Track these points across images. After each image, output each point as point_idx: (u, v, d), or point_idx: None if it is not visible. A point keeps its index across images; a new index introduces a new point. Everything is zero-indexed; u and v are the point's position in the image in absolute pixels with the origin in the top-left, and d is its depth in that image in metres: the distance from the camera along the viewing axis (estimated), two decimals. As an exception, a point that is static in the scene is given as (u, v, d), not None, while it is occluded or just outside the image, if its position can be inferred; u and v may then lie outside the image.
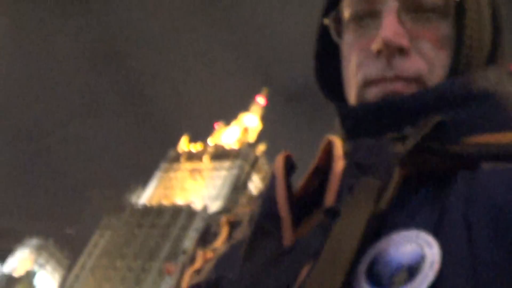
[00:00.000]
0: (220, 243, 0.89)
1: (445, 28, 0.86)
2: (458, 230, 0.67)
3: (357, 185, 0.73)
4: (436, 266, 0.65)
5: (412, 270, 0.66)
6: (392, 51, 0.83)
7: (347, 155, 0.80)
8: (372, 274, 0.68)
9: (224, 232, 0.91)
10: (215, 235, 0.93)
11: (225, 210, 0.99)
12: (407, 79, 0.84)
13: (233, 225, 0.91)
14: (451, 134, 0.78)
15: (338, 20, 0.91)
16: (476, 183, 0.71)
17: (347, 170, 0.78)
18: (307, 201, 0.85)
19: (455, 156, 0.76)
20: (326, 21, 0.93)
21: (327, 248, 0.68)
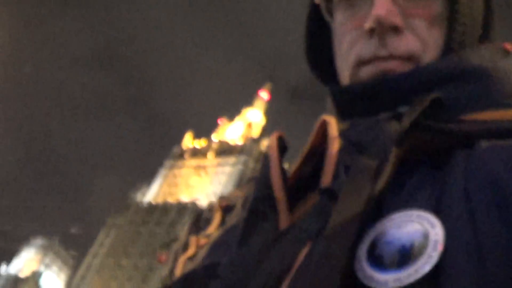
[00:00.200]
0: (213, 228, 0.87)
1: (438, 6, 0.85)
2: (460, 208, 0.66)
3: (354, 165, 0.71)
4: (440, 246, 0.63)
5: (415, 250, 0.64)
6: (385, 29, 0.82)
7: (342, 135, 0.78)
8: (374, 255, 0.66)
9: (217, 217, 0.89)
10: (208, 221, 0.91)
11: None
12: (401, 58, 0.83)
13: (226, 210, 0.89)
14: (447, 111, 0.77)
15: None
16: (475, 160, 0.70)
17: (343, 150, 0.76)
18: (301, 184, 0.82)
19: (452, 134, 0.74)
20: (317, 0, 0.91)
21: (328, 230, 0.66)
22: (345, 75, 0.87)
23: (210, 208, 0.92)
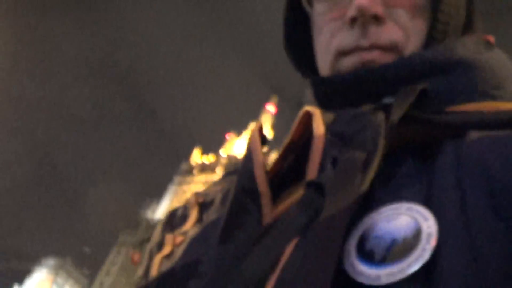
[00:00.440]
0: (190, 225, 0.83)
1: None
2: (452, 200, 0.64)
3: (342, 158, 0.69)
4: (434, 239, 0.61)
5: (407, 244, 0.62)
6: (367, 19, 0.81)
7: (327, 126, 0.76)
8: (363, 250, 0.63)
9: (193, 214, 0.86)
10: (184, 218, 0.86)
11: None
12: (383, 48, 0.81)
13: (204, 206, 0.84)
14: (434, 103, 0.76)
15: None
16: (466, 151, 0.68)
17: (328, 142, 0.74)
18: (282, 177, 0.80)
19: (440, 125, 0.73)
20: None
21: (318, 225, 0.64)
22: (325, 67, 0.85)
23: (186, 204, 0.88)
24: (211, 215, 0.82)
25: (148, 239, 0.88)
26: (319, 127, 0.75)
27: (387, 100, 0.74)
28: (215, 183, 0.90)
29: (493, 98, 0.78)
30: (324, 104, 0.82)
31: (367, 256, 0.63)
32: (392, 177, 0.70)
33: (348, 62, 0.82)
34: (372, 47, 0.81)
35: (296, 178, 0.77)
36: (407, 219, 0.64)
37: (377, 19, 0.81)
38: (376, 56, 0.81)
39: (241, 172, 0.77)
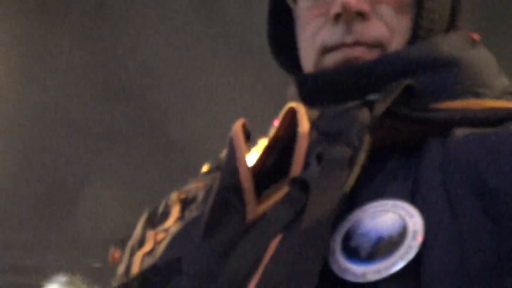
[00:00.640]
0: (171, 222, 0.82)
1: None
2: (438, 197, 0.64)
3: (327, 154, 0.68)
4: (420, 236, 0.61)
5: (393, 241, 0.61)
6: (352, 15, 0.79)
7: (311, 123, 0.75)
8: (348, 247, 0.63)
9: (175, 210, 0.84)
10: (165, 215, 0.85)
11: None
12: (368, 44, 0.80)
13: (186, 203, 0.83)
14: (419, 100, 0.75)
15: None
16: (451, 148, 0.68)
17: (313, 139, 0.73)
18: (265, 173, 0.78)
19: (425, 122, 0.73)
20: None
21: (304, 222, 0.63)
22: (309, 63, 0.84)
23: (167, 201, 0.87)
24: (193, 212, 0.80)
25: (128, 237, 0.87)
26: (303, 123, 0.74)
27: (372, 97, 0.73)
28: (198, 180, 0.89)
29: (478, 95, 0.77)
30: (308, 101, 0.81)
31: (353, 253, 0.62)
32: (378, 174, 0.70)
33: (332, 59, 0.81)
34: (356, 43, 0.80)
35: (280, 175, 0.76)
36: (393, 216, 0.63)
37: (361, 16, 0.80)
38: (360, 53, 0.80)
39: (224, 168, 0.76)
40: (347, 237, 0.64)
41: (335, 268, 0.62)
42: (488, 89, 0.79)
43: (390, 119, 0.71)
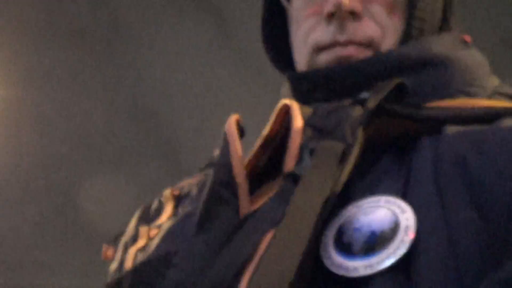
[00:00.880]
0: (165, 218, 0.82)
1: None
2: (429, 192, 0.64)
3: (320, 148, 0.68)
4: (411, 231, 0.61)
5: (385, 237, 0.62)
6: (345, 14, 0.81)
7: (305, 119, 0.75)
8: (341, 242, 0.63)
9: (169, 207, 0.84)
10: (159, 211, 0.85)
11: None
12: (360, 44, 0.81)
13: (179, 199, 0.84)
14: (411, 98, 0.76)
15: None
16: (443, 145, 0.68)
17: (307, 135, 0.73)
18: (260, 170, 0.79)
19: (418, 119, 0.73)
20: None
21: (288, 215, 0.62)
22: (302, 62, 0.85)
23: (160, 198, 0.87)
24: (186, 207, 0.80)
25: (121, 234, 0.87)
26: (297, 119, 0.74)
27: (364, 95, 0.74)
28: (191, 176, 0.89)
29: (469, 95, 0.78)
30: (301, 99, 0.81)
31: (345, 248, 0.62)
32: (371, 170, 0.70)
33: (325, 58, 0.82)
34: (349, 42, 0.81)
35: (274, 171, 0.77)
36: (385, 212, 0.63)
37: (354, 15, 0.81)
38: (353, 52, 0.81)
39: (218, 163, 0.76)
40: (340, 233, 0.64)
41: (327, 263, 0.62)
42: (480, 88, 0.80)
43: (383, 115, 0.72)
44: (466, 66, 0.81)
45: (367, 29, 0.82)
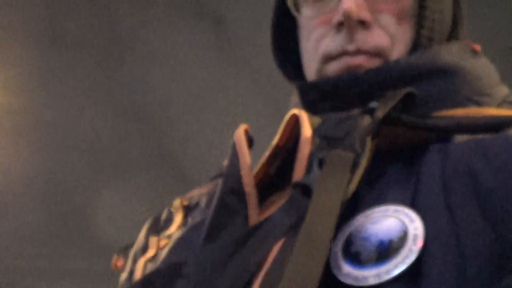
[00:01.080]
0: (174, 228, 0.82)
1: (407, 1, 0.84)
2: (437, 202, 0.64)
3: (330, 158, 0.68)
4: (420, 240, 0.61)
5: (394, 246, 0.62)
6: (354, 24, 0.81)
7: (314, 129, 0.75)
8: (350, 252, 0.63)
9: (178, 217, 0.84)
10: (168, 221, 0.85)
11: None
12: (369, 53, 0.81)
13: (188, 209, 0.84)
14: (420, 108, 0.76)
15: None
16: (451, 154, 0.68)
17: (316, 144, 0.73)
18: (269, 180, 0.79)
19: (426, 128, 0.73)
20: None
21: (306, 225, 0.62)
22: (312, 71, 0.85)
23: (170, 208, 0.87)
24: (196, 217, 0.81)
25: (132, 245, 0.87)
26: (306, 129, 0.74)
27: (373, 104, 0.74)
28: (201, 187, 0.89)
29: (478, 104, 0.78)
30: (310, 108, 0.81)
31: (354, 257, 0.62)
32: (379, 180, 0.70)
33: (334, 67, 0.82)
34: (358, 52, 0.81)
35: (284, 182, 0.77)
36: (393, 221, 0.63)
37: (363, 24, 0.81)
38: (362, 61, 0.81)
39: (227, 173, 0.76)
40: (349, 242, 0.64)
41: (336, 272, 0.62)
42: (489, 97, 0.80)
43: (391, 125, 0.72)
44: (475, 75, 0.81)
45: (376, 38, 0.81)
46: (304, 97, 0.84)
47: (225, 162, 0.79)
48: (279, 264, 0.62)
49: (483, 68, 0.83)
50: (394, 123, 0.72)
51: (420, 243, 0.61)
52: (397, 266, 0.60)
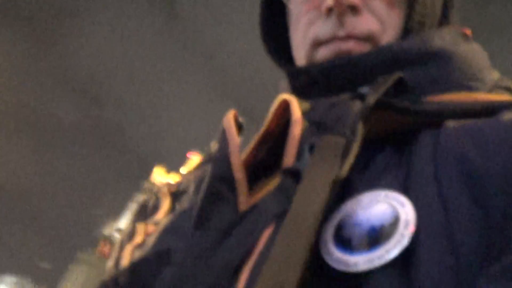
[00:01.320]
0: (162, 215, 0.81)
1: None
2: (429, 187, 0.63)
3: (320, 143, 0.67)
4: (411, 225, 0.60)
5: (385, 231, 0.61)
6: (344, 8, 0.80)
7: (304, 114, 0.74)
8: (341, 237, 0.62)
9: (166, 203, 0.83)
10: (155, 208, 0.84)
11: None
12: (359, 38, 0.81)
13: (176, 196, 0.82)
14: (411, 92, 0.75)
15: None
16: (443, 139, 0.67)
17: (306, 130, 0.72)
18: (258, 166, 0.77)
19: (418, 114, 0.72)
20: None
21: (291, 212, 0.61)
22: (301, 57, 0.84)
23: (158, 194, 0.86)
24: (184, 204, 0.79)
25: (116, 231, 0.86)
26: (296, 114, 0.73)
27: (363, 89, 0.73)
28: (189, 173, 0.87)
29: (470, 89, 0.77)
30: (300, 94, 0.80)
31: (345, 243, 0.62)
32: (371, 165, 0.69)
33: (324, 52, 0.81)
34: (348, 37, 0.80)
35: (273, 167, 0.75)
36: (385, 206, 0.63)
37: (353, 9, 0.81)
38: (352, 46, 0.80)
39: (216, 159, 0.75)
40: (340, 228, 0.63)
41: (327, 258, 0.61)
42: (480, 82, 0.79)
43: (382, 110, 0.71)
44: (466, 60, 0.80)
45: (366, 23, 0.81)
46: (293, 83, 0.83)
47: (214, 147, 0.78)
48: (267, 252, 0.61)
49: (474, 53, 0.83)
50: (385, 108, 0.71)
51: (411, 228, 0.60)
52: (389, 252, 0.59)
